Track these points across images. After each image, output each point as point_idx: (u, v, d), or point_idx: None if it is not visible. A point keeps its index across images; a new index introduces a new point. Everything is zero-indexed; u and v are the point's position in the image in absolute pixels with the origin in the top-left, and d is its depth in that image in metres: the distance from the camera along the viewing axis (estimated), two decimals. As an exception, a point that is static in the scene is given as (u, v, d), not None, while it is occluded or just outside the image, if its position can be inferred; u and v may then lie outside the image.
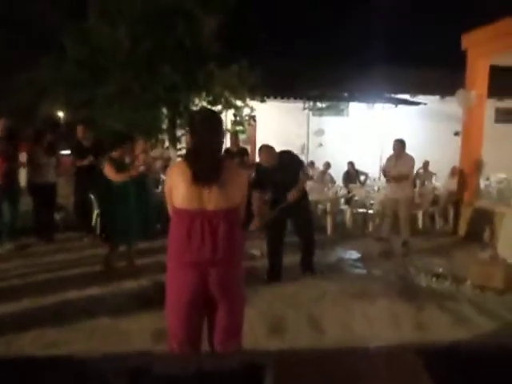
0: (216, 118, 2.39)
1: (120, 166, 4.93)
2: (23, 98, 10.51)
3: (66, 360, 0.94)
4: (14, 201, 6.05)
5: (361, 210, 8.41)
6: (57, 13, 10.26)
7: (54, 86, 10.13)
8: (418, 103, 12.65)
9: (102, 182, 5.00)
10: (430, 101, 12.97)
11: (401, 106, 12.62)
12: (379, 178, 11.05)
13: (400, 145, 6.77)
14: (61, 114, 16.01)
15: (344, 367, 0.84)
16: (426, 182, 9.43)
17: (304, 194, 5.22)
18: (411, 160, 6.77)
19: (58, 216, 7.23)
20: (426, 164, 10.04)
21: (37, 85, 10.15)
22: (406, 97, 13.07)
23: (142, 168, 5.20)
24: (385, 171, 7.11)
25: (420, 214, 8.21)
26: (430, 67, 14.08)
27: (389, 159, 6.99)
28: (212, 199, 2.16)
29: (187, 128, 2.50)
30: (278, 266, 5.17)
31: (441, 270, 5.63)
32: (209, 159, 2.19)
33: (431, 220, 8.68)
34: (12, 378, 0.78)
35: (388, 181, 7.04)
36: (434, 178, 10.18)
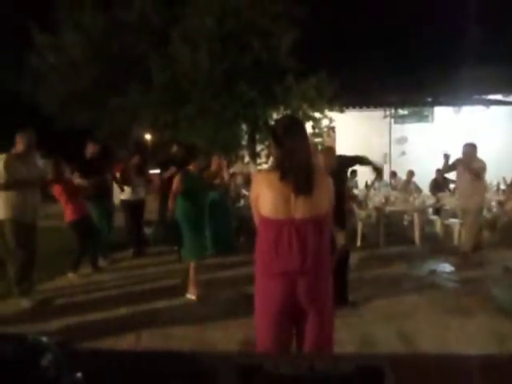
0: (299, 124, 2.35)
1: (195, 181, 4.85)
2: (117, 121, 11.40)
3: (181, 355, 0.96)
4: (108, 217, 6.50)
5: (452, 220, 7.87)
6: (143, 42, 11.04)
7: (142, 110, 10.84)
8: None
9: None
10: (527, 100, 11.91)
11: (493, 108, 11.72)
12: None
13: (471, 149, 6.19)
14: (148, 136, 17.10)
15: (473, 374, 0.75)
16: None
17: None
18: (482, 163, 6.16)
19: (148, 231, 7.66)
20: (524, 168, 9.17)
21: (128, 109, 10.95)
22: (498, 97, 12.13)
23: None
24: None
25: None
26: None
27: (456, 162, 6.41)
28: (300, 207, 2.11)
29: (270, 138, 2.42)
30: None
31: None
32: (305, 169, 2.13)
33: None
34: (131, 370, 0.81)
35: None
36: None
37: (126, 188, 6.75)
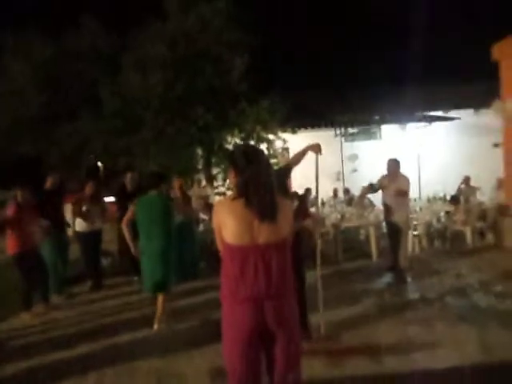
0: (258, 151, 2.39)
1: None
2: (67, 148, 11.11)
3: None
4: (63, 251, 6.25)
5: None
6: (94, 69, 10.93)
7: (93, 137, 10.63)
8: (452, 118, 12.44)
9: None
10: (464, 115, 12.74)
11: (435, 124, 12.44)
12: (419, 198, 10.82)
13: (395, 165, 6.23)
14: (99, 163, 16.68)
15: None
16: (471, 198, 9.11)
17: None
18: (406, 180, 6.19)
19: (105, 261, 7.43)
20: (467, 179, 9.72)
21: (78, 136, 10.71)
22: (439, 113, 12.90)
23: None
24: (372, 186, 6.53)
25: (468, 231, 7.91)
26: (461, 81, 13.94)
27: (382, 179, 6.37)
28: (262, 233, 2.15)
29: (230, 166, 2.45)
30: None
31: (500, 287, 5.37)
32: (269, 195, 2.16)
33: (481, 236, 8.34)
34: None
35: (384, 204, 6.38)
36: (477, 192, 9.85)
37: (79, 219, 6.51)
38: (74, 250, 6.84)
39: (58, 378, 3.59)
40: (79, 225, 6.53)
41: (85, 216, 6.44)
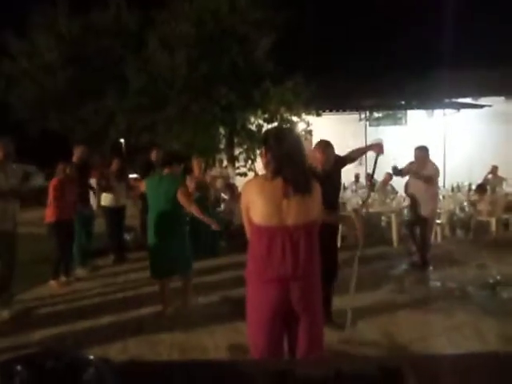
0: (291, 130, 2.43)
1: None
2: (92, 125, 11.27)
3: (209, 364, 0.98)
4: (87, 224, 6.39)
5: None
6: (119, 46, 10.97)
7: (118, 114, 10.72)
8: (482, 106, 12.08)
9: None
10: (495, 102, 12.35)
11: (463, 111, 12.12)
12: (443, 187, 10.63)
13: (423, 152, 5.82)
14: (124, 140, 16.85)
15: (488, 374, 0.81)
16: (498, 188, 8.92)
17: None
18: (435, 169, 5.82)
19: (128, 237, 7.58)
20: (494, 169, 9.52)
21: (103, 113, 10.83)
22: (468, 100, 12.54)
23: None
24: (398, 170, 5.97)
25: (493, 222, 7.77)
26: (491, 68, 13.48)
27: (409, 165, 5.99)
28: (292, 214, 2.15)
29: (262, 145, 2.46)
30: None
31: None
32: (302, 172, 2.20)
33: (505, 228, 8.19)
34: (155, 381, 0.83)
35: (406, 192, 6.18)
36: (504, 183, 9.63)
37: (106, 194, 6.65)
38: (99, 224, 6.98)
39: (82, 345, 3.71)
40: (105, 200, 6.66)
41: (110, 191, 6.56)
